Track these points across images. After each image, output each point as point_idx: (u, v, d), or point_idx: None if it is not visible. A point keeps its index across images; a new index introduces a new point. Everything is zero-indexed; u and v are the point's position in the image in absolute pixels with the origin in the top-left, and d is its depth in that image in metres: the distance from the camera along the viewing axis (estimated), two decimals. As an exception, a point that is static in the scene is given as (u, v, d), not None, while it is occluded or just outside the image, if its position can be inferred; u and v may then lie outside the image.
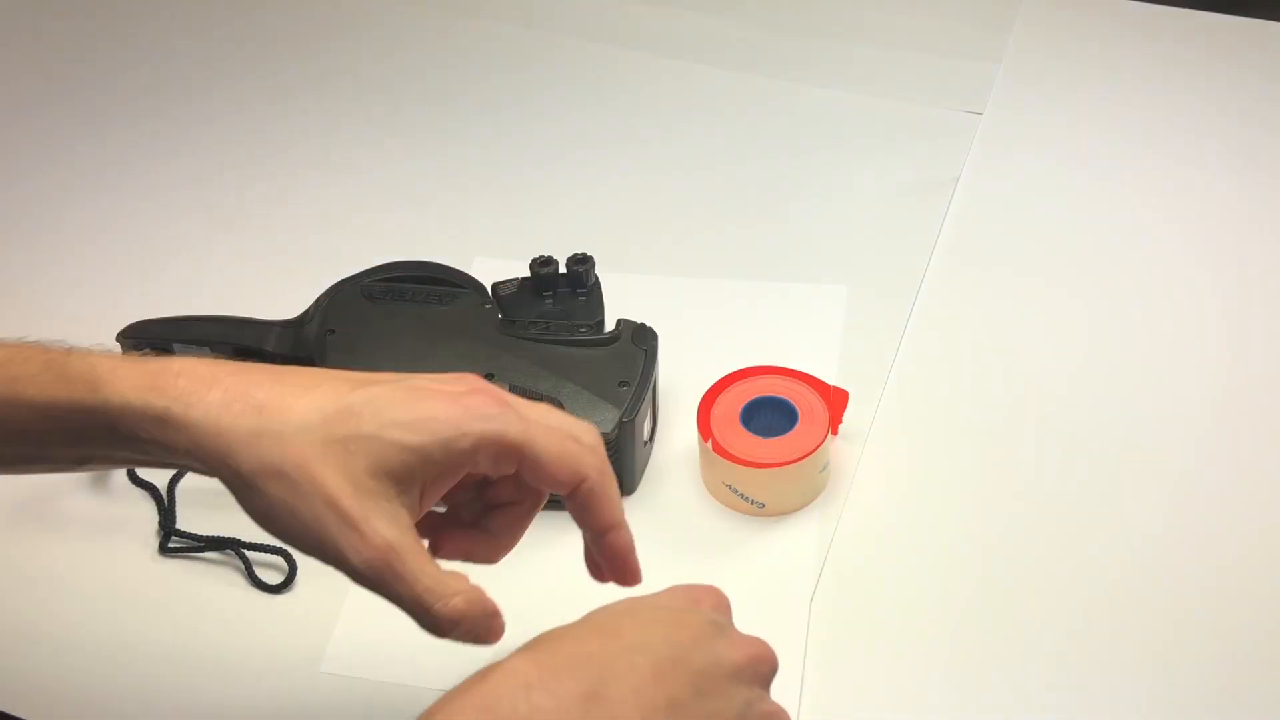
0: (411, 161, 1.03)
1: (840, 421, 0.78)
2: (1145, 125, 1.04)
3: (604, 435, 0.74)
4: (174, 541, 0.77)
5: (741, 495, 0.77)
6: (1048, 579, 0.74)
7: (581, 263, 0.82)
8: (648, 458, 0.80)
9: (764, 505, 0.77)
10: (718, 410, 0.78)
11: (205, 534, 0.76)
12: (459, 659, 0.71)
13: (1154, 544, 0.76)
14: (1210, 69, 1.08)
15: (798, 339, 0.88)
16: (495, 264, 0.89)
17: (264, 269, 0.94)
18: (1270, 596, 0.73)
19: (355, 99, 1.09)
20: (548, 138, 1.05)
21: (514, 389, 0.74)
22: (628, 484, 0.78)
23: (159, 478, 0.79)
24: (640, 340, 0.79)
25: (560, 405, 0.75)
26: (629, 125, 1.06)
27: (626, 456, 0.76)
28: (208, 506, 0.78)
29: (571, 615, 0.52)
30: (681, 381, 0.82)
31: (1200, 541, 0.76)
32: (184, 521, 0.77)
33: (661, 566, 0.76)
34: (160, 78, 1.12)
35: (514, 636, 0.55)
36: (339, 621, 0.73)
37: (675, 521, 0.78)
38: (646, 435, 0.79)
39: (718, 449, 0.76)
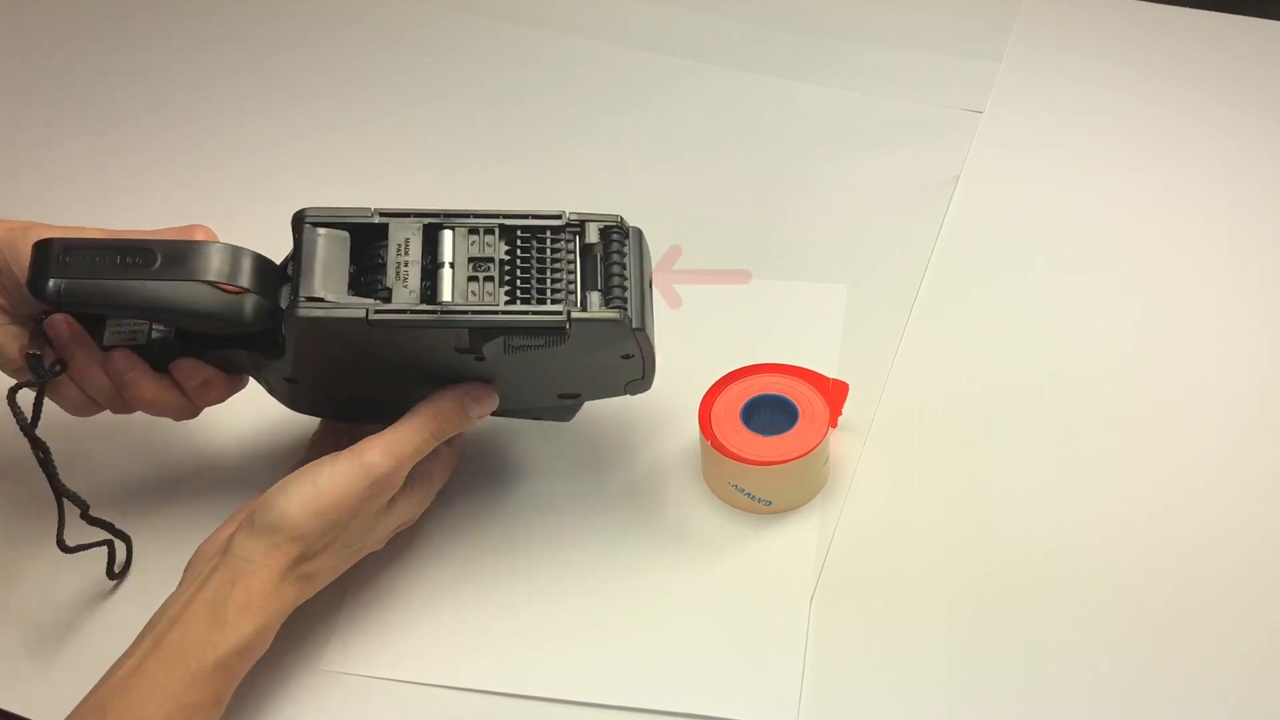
0: (415, 159, 1.03)
1: (840, 413, 0.78)
2: (1145, 124, 1.04)
3: None
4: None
5: (748, 494, 0.77)
6: (1047, 575, 0.74)
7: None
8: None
9: (771, 503, 0.77)
10: (718, 409, 0.78)
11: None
12: (459, 657, 0.72)
13: (1156, 540, 0.76)
14: (1210, 68, 1.08)
15: (798, 337, 0.88)
16: None
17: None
18: (1271, 595, 0.73)
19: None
20: (546, 136, 1.05)
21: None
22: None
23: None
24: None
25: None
26: (629, 124, 1.06)
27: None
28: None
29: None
30: (682, 381, 0.82)
31: (1203, 538, 0.76)
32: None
33: (662, 566, 0.76)
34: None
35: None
36: (339, 620, 0.73)
37: (676, 520, 0.78)
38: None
39: (721, 448, 0.75)
